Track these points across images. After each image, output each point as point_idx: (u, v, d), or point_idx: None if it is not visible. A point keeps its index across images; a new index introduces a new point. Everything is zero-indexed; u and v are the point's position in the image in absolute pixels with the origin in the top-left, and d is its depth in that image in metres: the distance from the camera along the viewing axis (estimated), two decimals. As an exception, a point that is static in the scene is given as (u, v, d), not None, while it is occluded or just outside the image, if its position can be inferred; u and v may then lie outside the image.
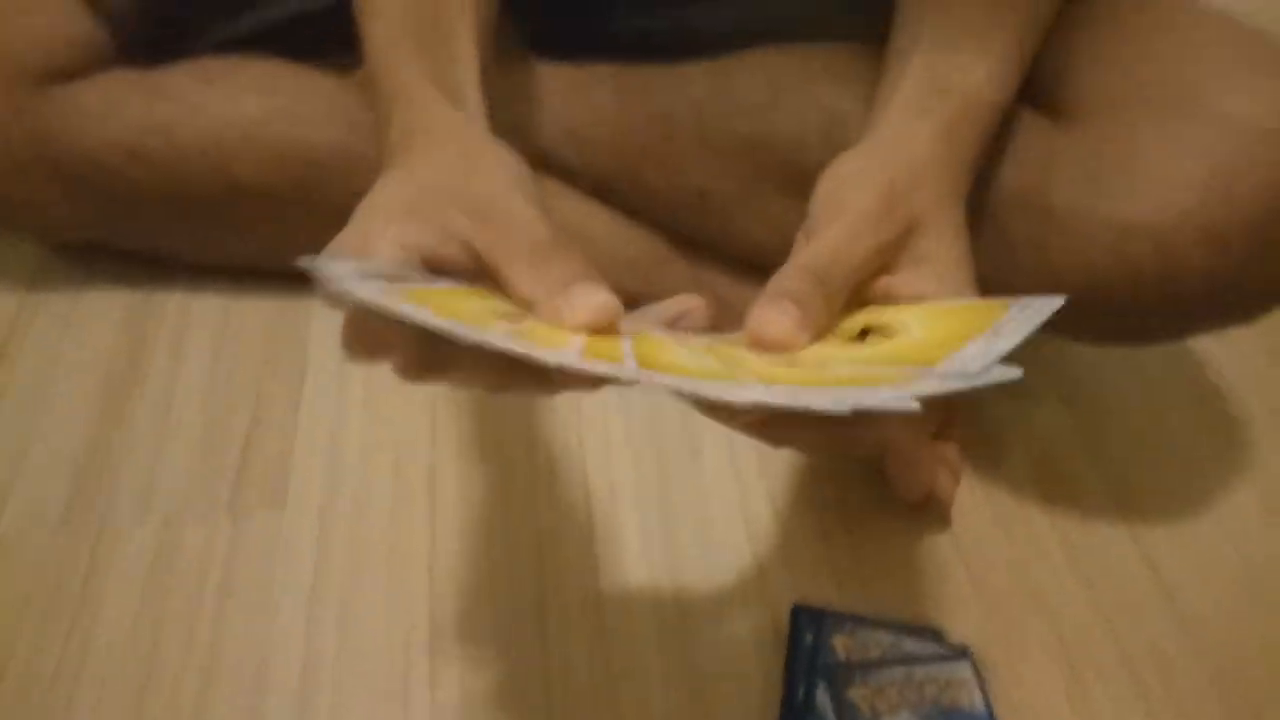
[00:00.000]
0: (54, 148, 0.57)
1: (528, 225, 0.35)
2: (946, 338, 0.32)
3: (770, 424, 0.31)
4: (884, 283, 0.37)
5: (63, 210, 0.59)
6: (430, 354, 0.30)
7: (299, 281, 0.62)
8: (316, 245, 0.60)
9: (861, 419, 0.26)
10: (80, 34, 0.58)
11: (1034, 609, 0.49)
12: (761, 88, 0.55)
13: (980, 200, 0.46)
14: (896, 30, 0.46)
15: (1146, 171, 0.42)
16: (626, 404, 0.58)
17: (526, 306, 0.33)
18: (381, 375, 0.58)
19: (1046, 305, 0.32)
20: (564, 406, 0.58)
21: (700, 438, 0.56)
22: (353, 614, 0.48)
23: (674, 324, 0.36)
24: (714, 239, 0.61)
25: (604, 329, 0.32)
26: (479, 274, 0.35)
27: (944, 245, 0.38)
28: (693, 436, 0.56)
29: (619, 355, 0.30)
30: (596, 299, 0.32)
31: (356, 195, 0.58)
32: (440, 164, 0.37)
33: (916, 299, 0.36)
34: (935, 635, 0.45)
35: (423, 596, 0.49)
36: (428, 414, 0.57)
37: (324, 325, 0.62)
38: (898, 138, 0.40)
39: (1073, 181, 0.44)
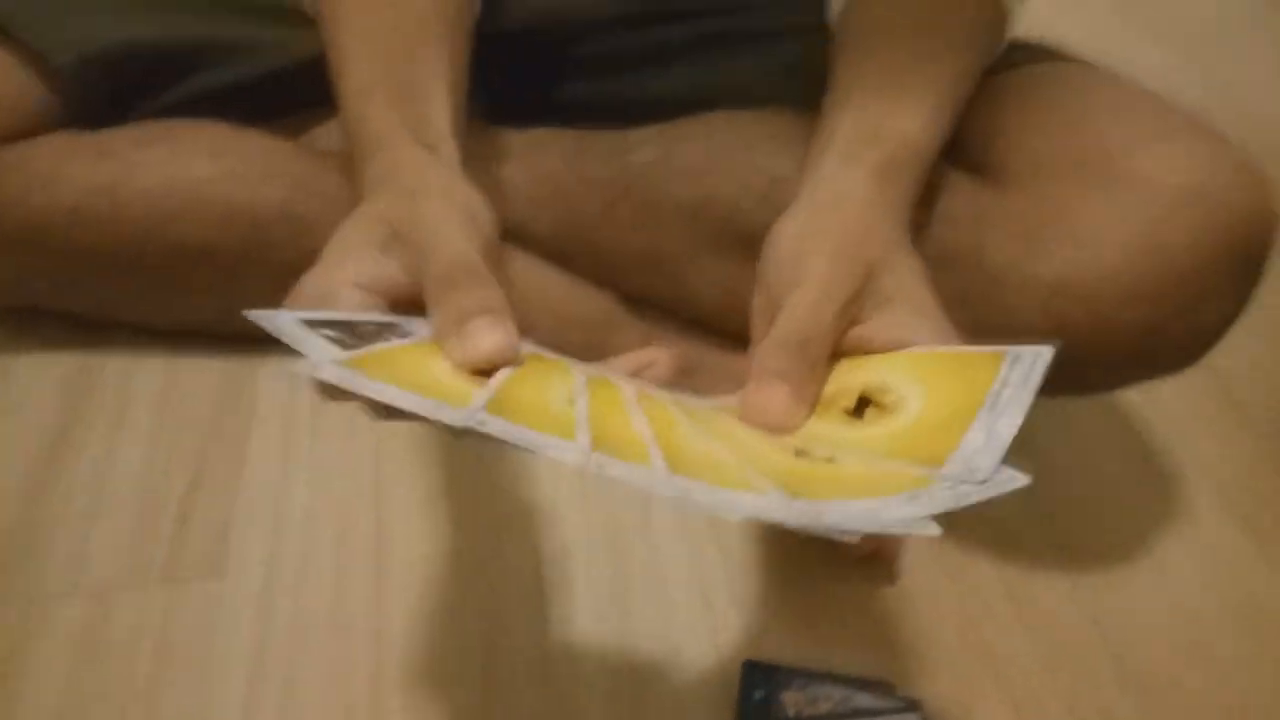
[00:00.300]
0: (-3, 208, 0.56)
1: (445, 250, 0.35)
2: (947, 417, 0.32)
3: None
4: (857, 333, 0.38)
5: (3, 272, 0.58)
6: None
7: (243, 343, 0.62)
8: (261, 306, 0.61)
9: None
10: (27, 97, 0.57)
11: (983, 663, 0.49)
12: (702, 153, 0.57)
13: None
14: (830, 88, 0.48)
15: (1074, 232, 0.44)
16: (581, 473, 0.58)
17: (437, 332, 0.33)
18: (327, 437, 0.58)
19: (1037, 361, 0.33)
20: (513, 465, 0.57)
21: (651, 497, 0.56)
22: (295, 688, 0.46)
23: (637, 374, 0.37)
24: (665, 299, 0.62)
25: (500, 365, 0.31)
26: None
27: (906, 282, 0.39)
28: (644, 496, 0.56)
29: (639, 445, 0.29)
30: (493, 336, 0.32)
31: (302, 255, 0.58)
32: (398, 197, 0.39)
33: (896, 343, 0.37)
34: (886, 689, 0.45)
35: (367, 666, 0.47)
36: (373, 477, 0.56)
37: (269, 388, 0.61)
38: (836, 188, 0.41)
39: (1003, 241, 0.45)
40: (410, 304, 0.36)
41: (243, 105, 0.62)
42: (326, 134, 0.65)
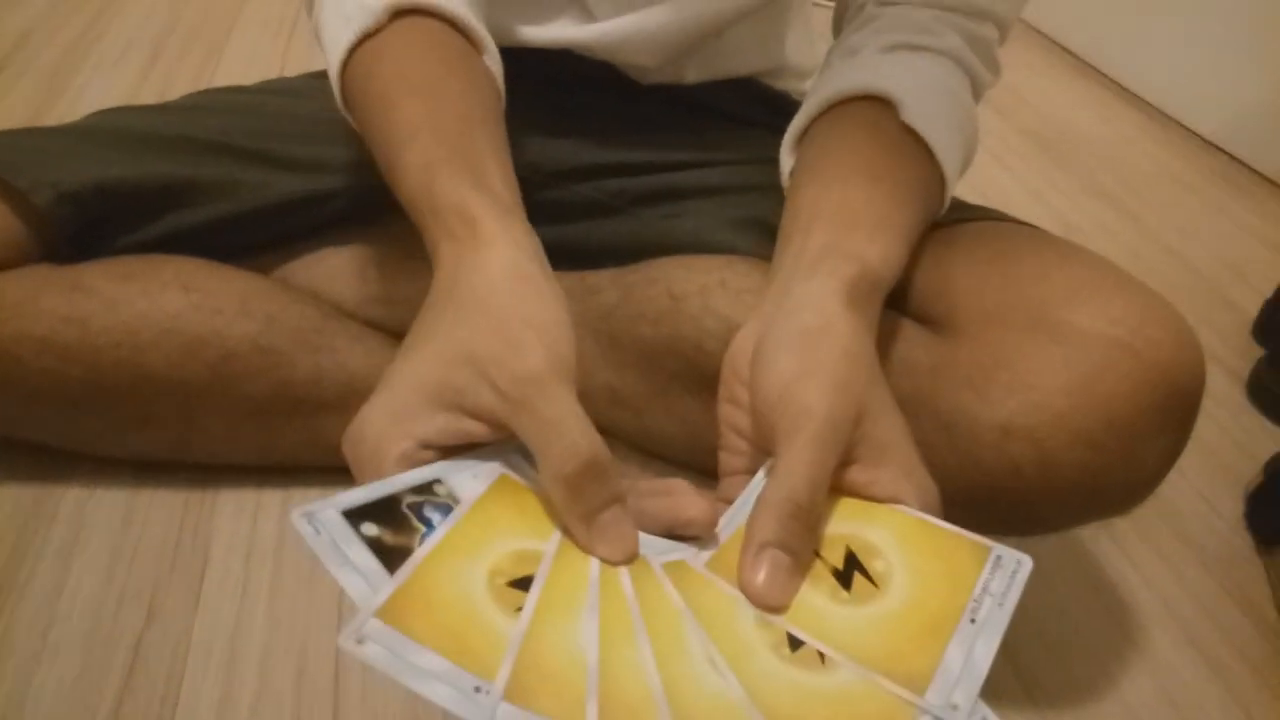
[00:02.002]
0: (-38, 338, 0.56)
1: (571, 434, 0.35)
2: (930, 619, 0.33)
3: None
4: (849, 479, 0.38)
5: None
6: None
7: (203, 473, 0.62)
8: (227, 438, 0.61)
9: None
10: (3, 232, 0.58)
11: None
12: (663, 297, 0.59)
13: None
14: (789, 218, 0.49)
15: (1020, 379, 0.46)
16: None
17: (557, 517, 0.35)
18: (288, 572, 0.57)
19: (1018, 572, 0.35)
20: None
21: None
22: (241, 838, 0.44)
23: (676, 530, 0.37)
24: (628, 433, 0.63)
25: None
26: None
27: (895, 429, 0.39)
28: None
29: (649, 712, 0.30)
30: (624, 542, 0.35)
31: (270, 387, 0.59)
32: (481, 330, 0.37)
33: (889, 499, 0.38)
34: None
35: (320, 815, 0.45)
36: (333, 612, 0.55)
37: (229, 519, 0.61)
38: (818, 308, 0.41)
39: (956, 387, 0.47)
40: (471, 439, 0.37)
41: (218, 242, 0.64)
42: (300, 270, 0.67)
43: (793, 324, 0.41)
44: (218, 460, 0.63)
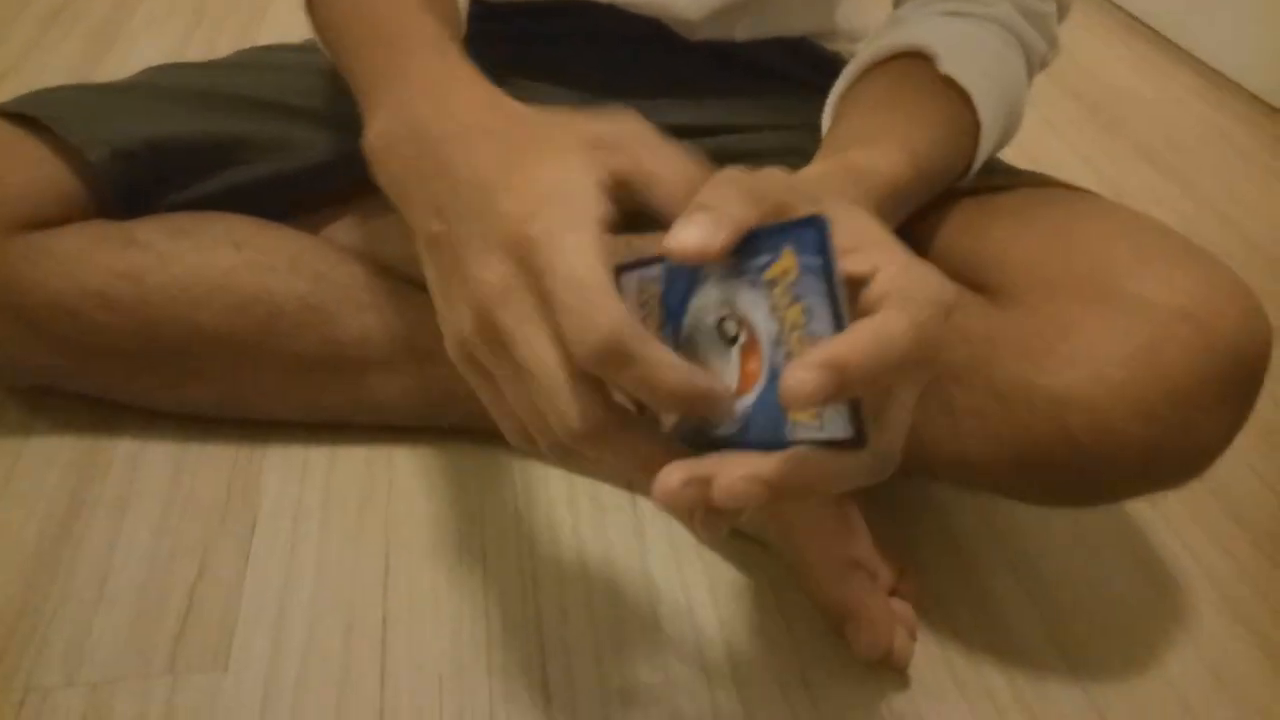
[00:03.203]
0: (18, 290, 0.57)
1: (684, 168, 0.34)
2: None
3: None
4: None
5: (21, 353, 0.59)
6: None
7: (252, 429, 0.63)
8: (274, 394, 0.61)
9: None
10: (58, 186, 0.59)
11: (994, 775, 0.48)
12: None
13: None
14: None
15: (1079, 349, 0.45)
16: (584, 557, 0.58)
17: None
18: (335, 528, 0.58)
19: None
20: (518, 562, 0.57)
21: (660, 596, 0.56)
22: (294, 785, 0.45)
23: None
24: None
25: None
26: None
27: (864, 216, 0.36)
28: (652, 595, 0.56)
29: None
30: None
31: (318, 344, 0.60)
32: (585, 126, 0.35)
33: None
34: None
35: (370, 765, 0.46)
36: (380, 570, 0.56)
37: (277, 476, 0.61)
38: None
39: (1013, 357, 0.47)
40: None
41: (266, 200, 0.64)
42: (348, 229, 0.67)
43: None
44: (266, 417, 0.64)
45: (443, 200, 0.36)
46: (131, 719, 0.47)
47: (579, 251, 0.31)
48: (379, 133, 0.40)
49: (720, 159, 0.65)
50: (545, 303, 0.32)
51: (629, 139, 0.34)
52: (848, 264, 0.32)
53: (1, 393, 0.65)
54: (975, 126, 0.52)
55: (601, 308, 0.31)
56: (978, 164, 0.54)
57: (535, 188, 0.33)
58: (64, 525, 0.57)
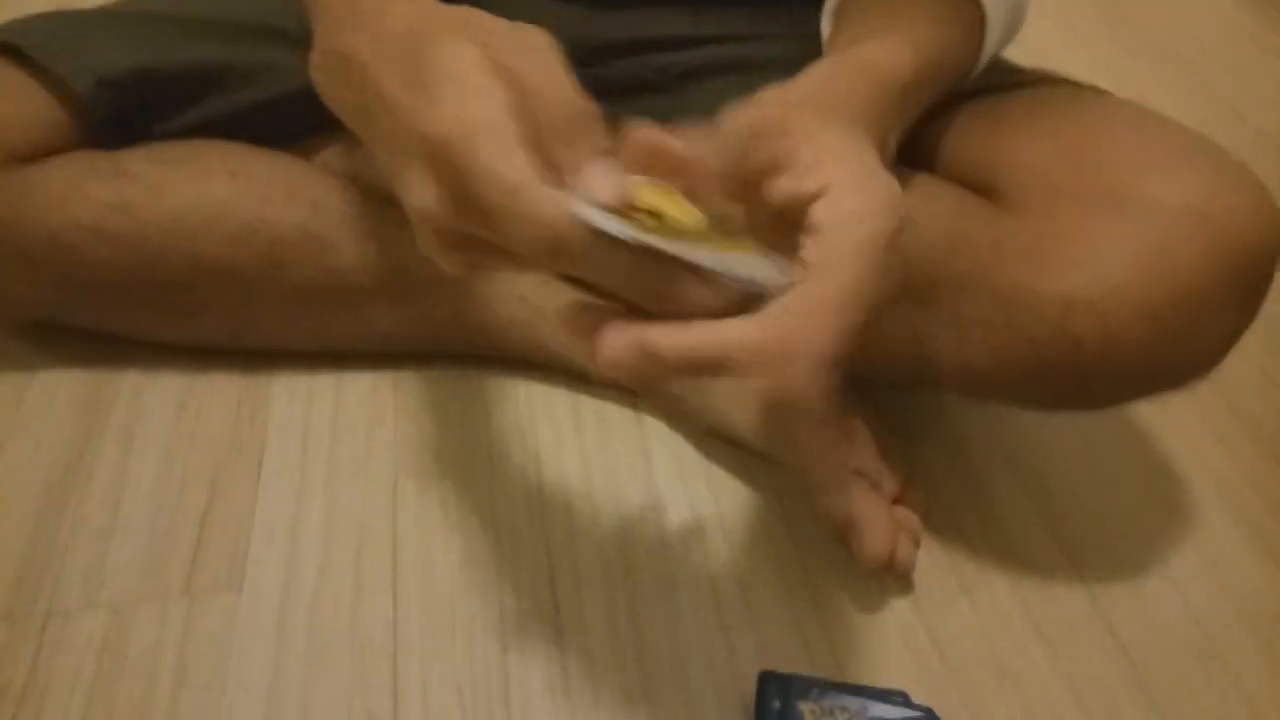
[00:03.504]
0: (16, 227, 0.56)
1: (556, 94, 0.34)
2: None
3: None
4: (779, 185, 0.36)
5: (22, 289, 0.59)
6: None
7: (258, 359, 0.63)
8: (278, 325, 0.61)
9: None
10: (45, 118, 0.58)
11: (997, 673, 0.49)
12: None
13: (934, 286, 0.48)
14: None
15: (1086, 251, 0.45)
16: (589, 474, 0.58)
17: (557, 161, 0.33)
18: (343, 453, 0.59)
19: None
20: (527, 479, 0.58)
21: (665, 509, 0.56)
22: (313, 703, 0.47)
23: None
24: None
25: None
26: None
27: (833, 135, 0.37)
28: (657, 508, 0.56)
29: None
30: (609, 181, 0.33)
31: (318, 274, 0.59)
32: (483, 25, 0.36)
33: (817, 190, 0.35)
34: (901, 698, 0.46)
35: (385, 682, 0.48)
36: (389, 494, 0.57)
37: (284, 403, 0.62)
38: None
39: (1017, 262, 0.46)
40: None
41: (258, 127, 0.63)
42: (339, 157, 0.66)
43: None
44: (271, 347, 0.64)
45: (378, 126, 0.37)
46: (150, 640, 0.49)
47: (500, 156, 0.32)
48: (315, 64, 0.41)
49: (718, 69, 0.65)
50: (482, 210, 0.32)
51: (526, 54, 0.35)
52: (802, 183, 0.34)
53: (4, 329, 0.65)
54: (980, 21, 0.50)
55: (534, 204, 0.31)
56: (984, 59, 0.52)
57: (443, 108, 0.33)
58: (74, 456, 0.58)
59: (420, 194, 0.35)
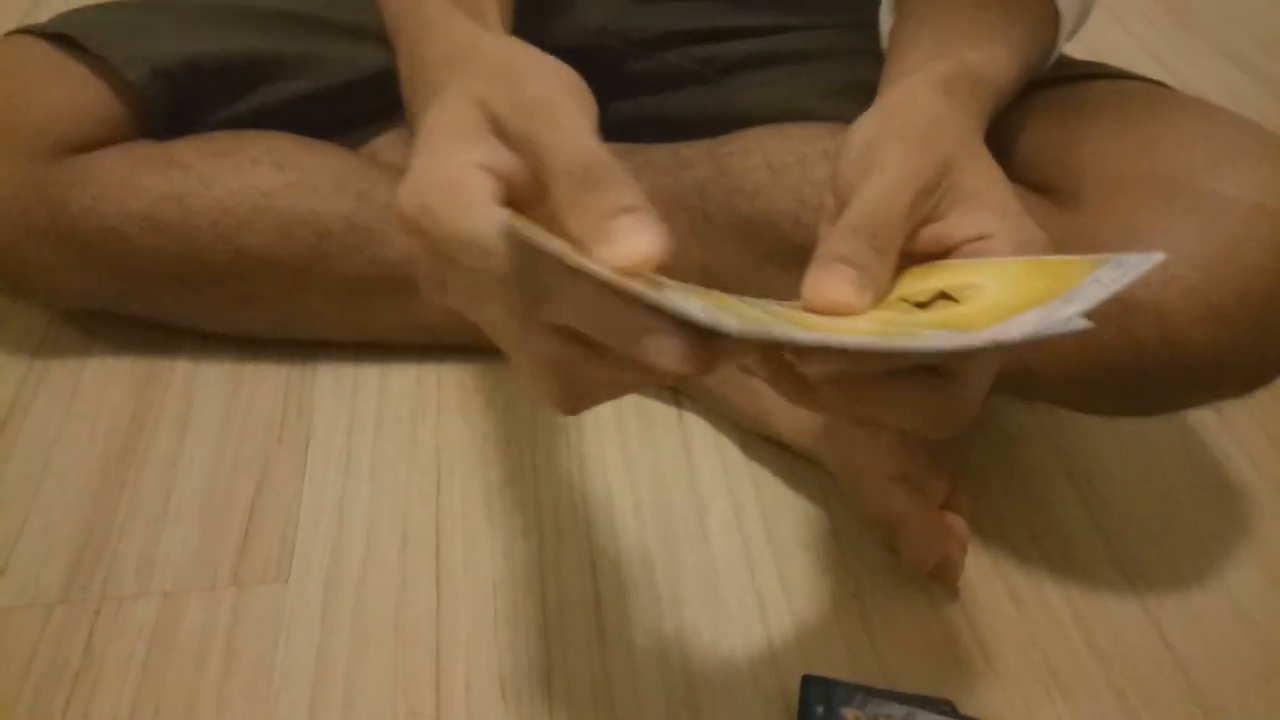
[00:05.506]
0: (69, 216, 0.57)
1: (572, 144, 0.31)
2: (1021, 300, 0.30)
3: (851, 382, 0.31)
4: (933, 231, 0.36)
5: (75, 278, 0.60)
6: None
7: (305, 349, 0.63)
8: (325, 316, 0.62)
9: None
10: (98, 107, 0.59)
11: (1047, 681, 0.48)
12: (759, 169, 0.57)
13: None
14: (890, 50, 0.48)
15: (1149, 250, 0.43)
16: (632, 472, 0.58)
17: (570, 236, 0.30)
18: (389, 444, 0.59)
19: (1138, 264, 0.31)
20: (570, 472, 0.58)
21: (708, 509, 0.56)
22: (357, 692, 0.47)
23: None
24: None
25: (651, 266, 0.29)
26: (538, 198, 0.32)
27: (986, 178, 0.37)
28: (701, 508, 0.56)
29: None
30: (643, 235, 0.29)
31: (365, 265, 0.60)
32: (492, 79, 0.34)
33: (977, 237, 0.35)
34: (948, 707, 0.45)
35: (429, 673, 0.48)
36: (433, 484, 0.57)
37: (331, 393, 0.62)
38: (903, 97, 0.40)
39: None
40: (528, 203, 0.32)
41: (307, 118, 0.64)
42: (388, 147, 0.66)
43: (876, 107, 0.40)
44: (317, 338, 0.64)
45: None
46: (201, 627, 0.49)
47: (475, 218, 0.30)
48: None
49: (766, 61, 0.64)
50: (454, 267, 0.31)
51: (543, 111, 0.32)
52: (958, 232, 0.35)
53: (59, 317, 0.67)
54: (1054, 15, 0.49)
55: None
56: (1056, 53, 0.51)
57: (427, 176, 0.32)
58: (127, 443, 0.59)
59: (403, 239, 0.35)
